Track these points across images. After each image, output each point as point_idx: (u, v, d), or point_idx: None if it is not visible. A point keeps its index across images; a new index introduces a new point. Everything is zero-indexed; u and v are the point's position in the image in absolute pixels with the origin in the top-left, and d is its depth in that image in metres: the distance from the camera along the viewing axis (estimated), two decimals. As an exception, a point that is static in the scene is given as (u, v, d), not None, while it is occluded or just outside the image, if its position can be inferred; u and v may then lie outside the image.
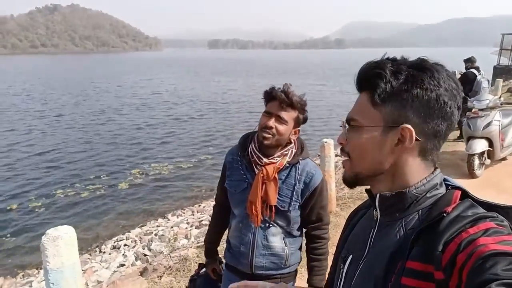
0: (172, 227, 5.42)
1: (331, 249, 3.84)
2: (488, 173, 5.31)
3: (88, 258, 4.71)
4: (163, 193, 7.39)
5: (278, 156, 1.51)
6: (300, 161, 1.54)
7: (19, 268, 4.79)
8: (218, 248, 1.84)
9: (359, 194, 4.90)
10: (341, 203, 4.67)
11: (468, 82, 6.78)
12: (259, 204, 1.49)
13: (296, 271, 1.69)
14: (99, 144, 10.83)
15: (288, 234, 1.58)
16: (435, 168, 0.72)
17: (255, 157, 1.52)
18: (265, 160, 1.50)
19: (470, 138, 5.22)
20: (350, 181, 0.76)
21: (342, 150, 0.77)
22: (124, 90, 24.96)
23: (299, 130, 1.54)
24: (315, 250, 1.62)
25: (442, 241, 0.59)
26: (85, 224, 6.08)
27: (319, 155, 4.72)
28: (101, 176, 8.12)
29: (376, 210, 0.75)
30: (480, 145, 5.05)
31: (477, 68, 7.10)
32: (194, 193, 7.35)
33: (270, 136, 1.46)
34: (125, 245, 4.93)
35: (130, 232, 5.53)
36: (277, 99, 1.46)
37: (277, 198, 1.50)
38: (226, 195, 1.66)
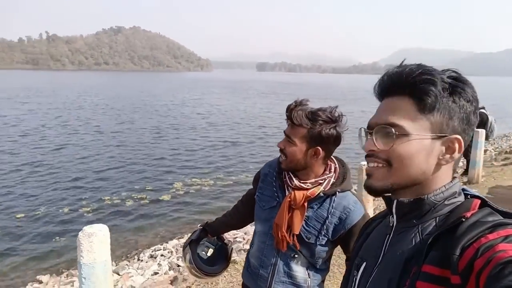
0: (208, 241, 5.49)
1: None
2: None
3: (127, 264, 4.88)
4: (203, 207, 7.52)
5: (312, 183, 1.36)
6: (337, 193, 1.35)
7: (64, 267, 5.08)
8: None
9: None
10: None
11: (483, 123, 6.43)
12: (284, 229, 1.35)
13: None
14: (147, 157, 11.37)
15: (311, 265, 1.43)
16: (454, 177, 0.72)
17: (287, 177, 1.40)
18: (295, 182, 1.36)
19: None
20: (381, 190, 0.71)
21: (371, 157, 0.72)
22: (174, 108, 26.18)
23: (319, 150, 1.32)
24: None
25: (460, 245, 0.58)
26: (128, 232, 6.34)
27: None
28: (146, 188, 8.48)
29: (393, 217, 0.74)
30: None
31: (484, 108, 6.68)
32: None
33: (283, 158, 1.37)
34: (161, 255, 5.05)
35: (167, 242, 5.67)
36: (288, 118, 1.34)
37: (304, 228, 1.36)
38: (252, 203, 1.58)
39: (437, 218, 0.68)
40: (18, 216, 6.67)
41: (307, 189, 1.35)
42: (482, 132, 6.18)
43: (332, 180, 1.38)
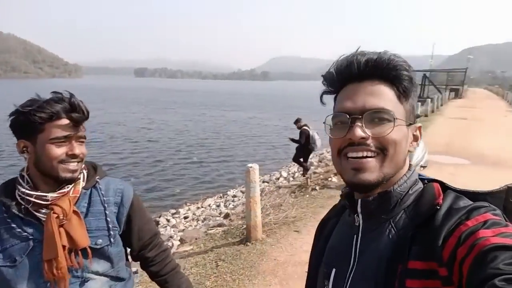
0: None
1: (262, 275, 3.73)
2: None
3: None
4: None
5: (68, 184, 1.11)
6: (98, 181, 1.19)
7: None
8: None
9: (284, 219, 4.97)
10: (267, 229, 4.55)
11: (308, 138, 7.81)
12: (63, 258, 1.04)
13: None
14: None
15: (116, 279, 1.19)
16: (410, 165, 0.70)
17: (33, 198, 1.05)
18: (50, 195, 1.06)
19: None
20: (375, 184, 0.64)
21: (362, 145, 0.64)
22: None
23: None
24: (167, 265, 1.30)
25: (441, 236, 0.57)
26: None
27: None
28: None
29: (358, 216, 0.70)
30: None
31: (306, 125, 7.98)
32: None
33: (77, 166, 1.09)
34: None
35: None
36: (66, 117, 1.05)
37: (89, 235, 1.11)
38: None
39: (405, 209, 0.65)
40: None
41: (67, 192, 1.10)
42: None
43: (85, 171, 1.19)
